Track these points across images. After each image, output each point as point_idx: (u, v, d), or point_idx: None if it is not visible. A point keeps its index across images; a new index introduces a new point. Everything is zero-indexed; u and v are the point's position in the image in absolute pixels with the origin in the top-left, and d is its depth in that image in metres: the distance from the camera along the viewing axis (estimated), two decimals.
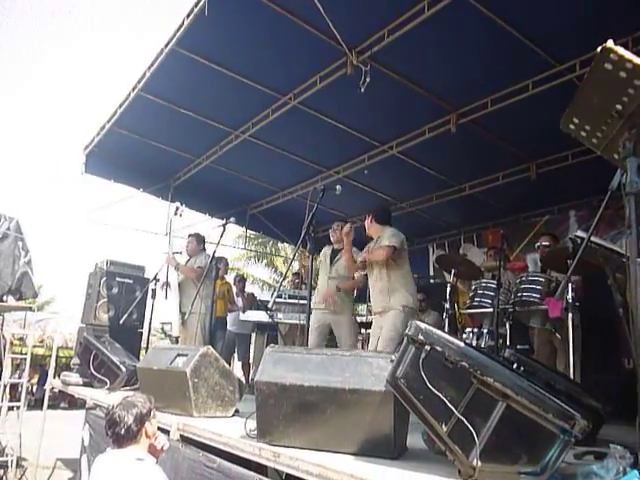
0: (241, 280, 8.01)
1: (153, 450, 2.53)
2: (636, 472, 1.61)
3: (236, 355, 7.81)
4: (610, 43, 1.53)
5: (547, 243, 5.04)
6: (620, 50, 1.51)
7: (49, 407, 6.75)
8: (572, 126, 1.89)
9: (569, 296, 3.96)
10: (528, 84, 4.66)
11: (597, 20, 3.80)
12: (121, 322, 6.04)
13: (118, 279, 6.62)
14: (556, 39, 4.21)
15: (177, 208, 5.83)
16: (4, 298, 6.73)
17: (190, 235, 6.12)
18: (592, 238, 2.44)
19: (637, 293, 1.57)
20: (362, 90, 4.34)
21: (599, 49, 1.54)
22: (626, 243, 1.70)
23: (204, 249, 6.03)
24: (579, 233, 2.60)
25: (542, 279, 4.54)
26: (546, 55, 4.36)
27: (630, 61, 1.50)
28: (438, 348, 1.95)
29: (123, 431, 2.41)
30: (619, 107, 1.66)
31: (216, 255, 5.23)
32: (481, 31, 4.18)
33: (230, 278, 7.80)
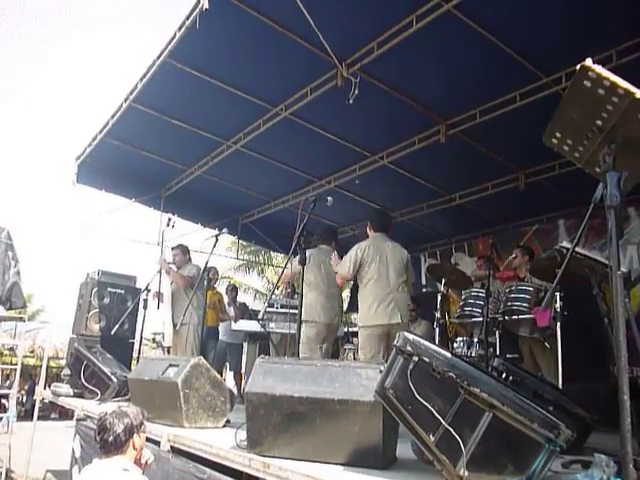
0: (233, 290, 8.01)
1: (138, 464, 2.54)
2: None
3: (228, 365, 7.80)
4: (588, 61, 1.57)
5: (514, 256, 5.13)
6: (598, 68, 1.55)
7: (39, 418, 6.71)
8: (554, 140, 1.93)
9: (557, 305, 4.01)
10: (515, 96, 4.73)
11: (582, 33, 3.88)
12: (112, 332, 6.02)
13: (109, 289, 6.60)
14: (542, 51, 4.29)
15: (169, 219, 5.85)
16: None
17: (174, 247, 6.10)
18: (578, 249, 2.49)
19: (618, 304, 1.60)
20: (350, 102, 4.39)
21: (578, 67, 1.59)
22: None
23: (190, 259, 6.05)
24: (565, 244, 2.65)
25: (531, 288, 4.59)
26: (533, 67, 4.43)
27: (607, 79, 1.54)
28: (426, 359, 1.98)
29: (111, 438, 2.42)
30: (599, 123, 1.71)
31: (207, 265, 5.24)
32: (469, 43, 4.24)
33: (222, 287, 7.81)
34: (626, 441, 1.52)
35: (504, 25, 4.06)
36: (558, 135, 1.91)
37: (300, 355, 4.87)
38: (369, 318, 4.18)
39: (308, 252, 4.91)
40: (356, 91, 4.35)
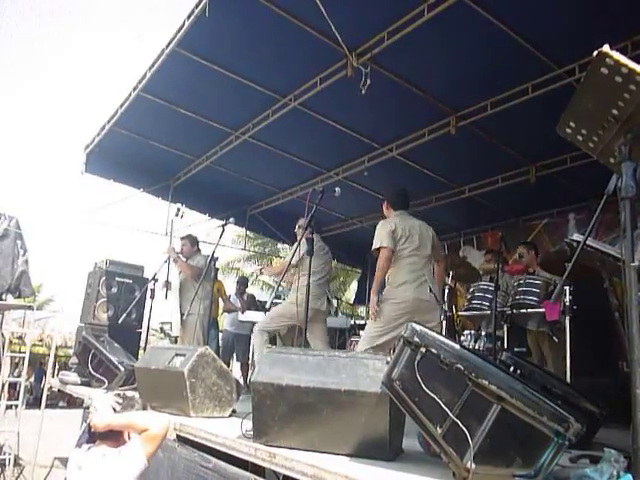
0: (242, 282, 8.03)
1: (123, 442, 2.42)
2: (629, 476, 1.61)
3: (235, 356, 7.82)
4: (606, 48, 1.53)
5: (520, 255, 5.09)
6: (616, 55, 1.51)
7: (47, 406, 6.76)
8: (569, 130, 1.89)
9: (567, 299, 3.98)
10: (527, 87, 4.67)
11: (596, 24, 3.82)
12: (120, 322, 6.04)
13: (117, 279, 6.63)
14: (555, 42, 4.23)
15: (178, 209, 5.86)
16: (3, 296, 6.73)
17: (183, 237, 6.11)
18: (589, 242, 2.44)
19: (631, 297, 1.57)
20: (363, 92, 4.35)
21: (595, 53, 1.54)
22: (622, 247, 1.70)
23: (199, 249, 6.05)
24: (575, 237, 2.61)
25: (540, 282, 4.54)
26: (545, 58, 4.37)
27: (626, 66, 1.50)
28: (433, 350, 1.95)
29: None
30: (615, 112, 1.66)
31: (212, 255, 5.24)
32: (481, 34, 4.19)
33: (230, 279, 7.82)
34: (637, 435, 1.50)
35: (517, 15, 3.99)
36: (572, 125, 1.87)
37: None
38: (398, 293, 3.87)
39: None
40: (368, 81, 4.31)
